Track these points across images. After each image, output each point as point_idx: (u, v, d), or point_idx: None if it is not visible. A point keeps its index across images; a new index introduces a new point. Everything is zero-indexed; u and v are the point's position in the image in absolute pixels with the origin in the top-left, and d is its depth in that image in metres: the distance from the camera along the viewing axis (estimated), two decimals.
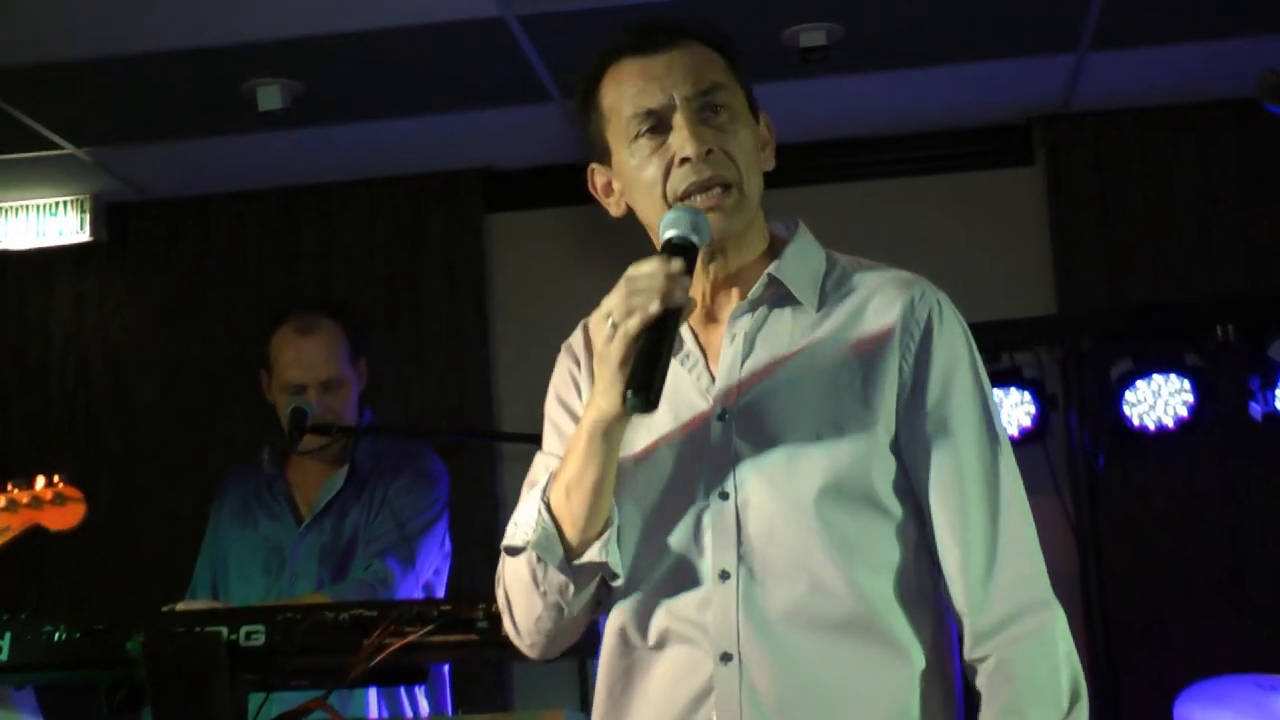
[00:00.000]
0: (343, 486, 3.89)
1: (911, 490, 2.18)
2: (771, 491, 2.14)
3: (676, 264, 2.05)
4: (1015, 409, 5.18)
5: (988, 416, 2.20)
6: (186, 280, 5.86)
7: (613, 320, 2.05)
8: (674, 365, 2.20)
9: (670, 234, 2.10)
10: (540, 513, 2.16)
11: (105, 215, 5.84)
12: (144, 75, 4.69)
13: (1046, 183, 5.54)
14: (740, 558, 2.13)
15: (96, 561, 5.73)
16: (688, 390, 2.22)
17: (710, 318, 2.26)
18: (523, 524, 2.19)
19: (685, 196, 2.16)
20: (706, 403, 2.20)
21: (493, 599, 2.33)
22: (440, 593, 3.89)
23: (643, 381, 2.01)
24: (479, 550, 5.40)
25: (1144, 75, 5.17)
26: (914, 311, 2.19)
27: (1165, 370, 5.08)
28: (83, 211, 5.75)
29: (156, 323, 5.85)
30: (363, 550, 3.80)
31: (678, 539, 2.17)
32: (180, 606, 3.42)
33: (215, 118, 5.09)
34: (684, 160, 2.15)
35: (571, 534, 2.15)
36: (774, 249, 2.27)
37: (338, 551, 3.84)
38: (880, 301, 2.21)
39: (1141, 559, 5.28)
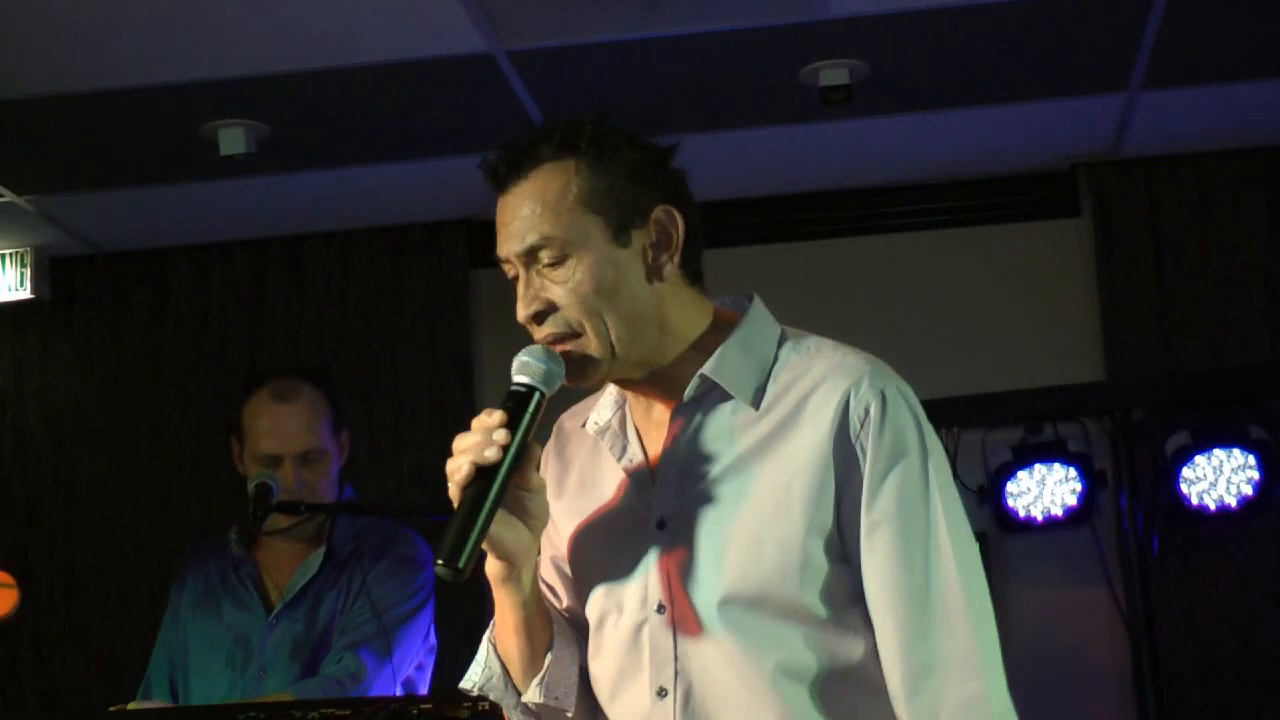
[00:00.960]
0: (318, 570, 3.89)
1: (858, 598, 2.25)
2: (705, 606, 2.25)
3: (495, 417, 2.22)
4: (1059, 486, 5.18)
5: (926, 519, 2.24)
6: (139, 343, 5.87)
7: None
8: (616, 469, 2.37)
9: (514, 380, 2.27)
10: (488, 653, 2.40)
11: (49, 270, 5.85)
12: (92, 115, 4.70)
13: (1094, 236, 5.55)
14: (677, 674, 2.27)
15: (34, 657, 5.71)
16: (629, 495, 2.36)
17: (654, 420, 2.38)
18: (475, 664, 2.41)
19: None
20: (646, 508, 2.33)
21: (479, 696, 2.43)
22: (423, 690, 3.89)
23: (447, 553, 2.16)
24: (462, 642, 5.38)
25: (1203, 116, 5.19)
26: (851, 408, 2.25)
27: (1227, 444, 5.07)
28: (23, 266, 5.77)
29: (105, 390, 5.86)
30: (336, 641, 3.79)
31: (620, 653, 2.33)
32: (132, 706, 3.41)
33: (172, 163, 5.11)
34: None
35: (515, 674, 2.37)
36: (713, 338, 2.35)
37: (311, 643, 3.83)
38: (820, 396, 2.27)
39: (1202, 656, 5.26)
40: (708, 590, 2.25)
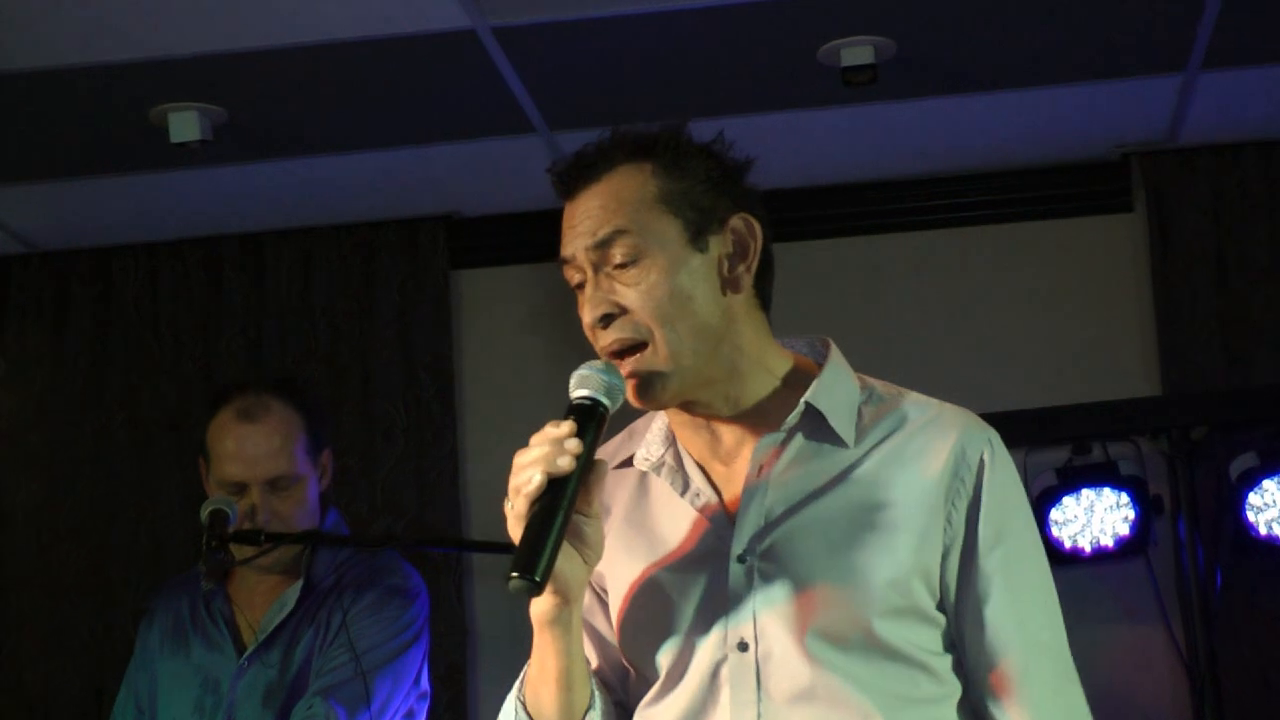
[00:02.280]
0: (295, 606, 3.89)
1: (951, 648, 2.42)
2: (795, 644, 2.34)
3: (564, 427, 2.28)
4: (1110, 514, 5.16)
5: (1048, 576, 2.45)
6: (80, 353, 5.85)
7: (508, 503, 2.28)
8: (682, 504, 2.47)
9: (574, 395, 2.35)
10: (516, 712, 2.43)
11: None
12: (27, 98, 4.69)
13: (1148, 232, 5.54)
14: (760, 715, 2.34)
15: None
16: (699, 531, 2.44)
17: (722, 453, 2.47)
18: None
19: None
20: (723, 544, 2.41)
21: None
22: None
23: (523, 563, 2.21)
24: (445, 689, 5.36)
25: (1271, 99, 5.19)
26: (965, 455, 2.41)
27: None
28: None
29: (41, 405, 5.84)
30: (311, 685, 3.78)
31: (692, 695, 2.39)
32: None
33: (117, 152, 5.10)
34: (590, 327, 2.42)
35: None
36: (798, 375, 2.48)
37: (285, 687, 3.83)
38: (925, 440, 2.42)
39: (1271, 703, 5.24)
40: (800, 627, 2.34)
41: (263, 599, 3.93)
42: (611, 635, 2.51)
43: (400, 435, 5.69)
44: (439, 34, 4.46)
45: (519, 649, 5.92)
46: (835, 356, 2.50)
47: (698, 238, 2.40)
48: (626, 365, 2.37)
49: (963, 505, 2.39)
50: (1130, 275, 5.59)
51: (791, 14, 4.41)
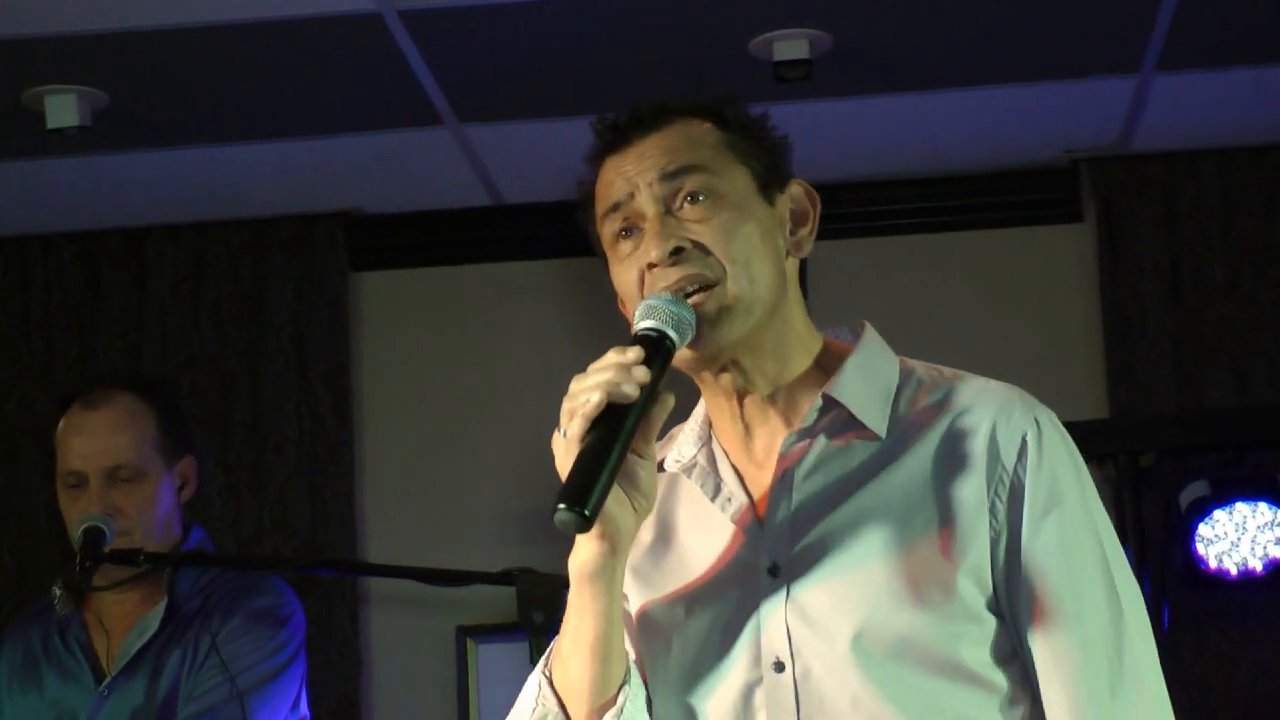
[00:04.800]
0: (158, 629, 3.86)
1: (1014, 656, 2.33)
2: (836, 660, 2.29)
3: (632, 352, 2.23)
4: None
5: (1105, 564, 2.35)
6: None
7: (561, 429, 2.21)
8: (712, 509, 2.41)
9: (640, 325, 2.29)
10: (540, 687, 2.34)
11: None
12: None
13: (1098, 245, 5.57)
14: None
15: None
16: (729, 538, 2.39)
17: (753, 451, 2.43)
18: (521, 707, 2.37)
19: None
20: (754, 554, 2.36)
21: None
22: None
23: (573, 494, 2.15)
24: None
25: (1229, 105, 5.23)
26: (1005, 436, 2.35)
27: (1253, 496, 5.09)
28: None
29: None
30: (181, 712, 3.77)
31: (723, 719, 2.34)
32: None
33: None
34: (651, 266, 2.35)
35: (576, 709, 2.32)
36: (830, 360, 2.44)
37: (151, 715, 3.81)
38: (964, 424, 2.37)
39: None
40: (842, 642, 2.28)
41: (123, 623, 3.91)
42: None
43: (292, 449, 5.67)
44: (341, 16, 4.45)
45: (417, 681, 5.92)
46: (868, 340, 2.48)
47: (765, 189, 2.43)
48: (693, 300, 2.32)
49: (1005, 492, 2.32)
50: (1078, 289, 5.62)
51: (722, 3, 4.43)
